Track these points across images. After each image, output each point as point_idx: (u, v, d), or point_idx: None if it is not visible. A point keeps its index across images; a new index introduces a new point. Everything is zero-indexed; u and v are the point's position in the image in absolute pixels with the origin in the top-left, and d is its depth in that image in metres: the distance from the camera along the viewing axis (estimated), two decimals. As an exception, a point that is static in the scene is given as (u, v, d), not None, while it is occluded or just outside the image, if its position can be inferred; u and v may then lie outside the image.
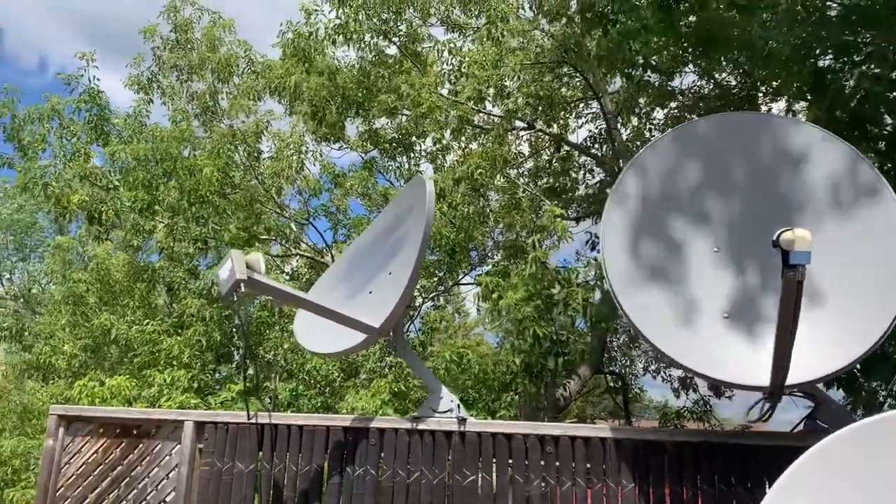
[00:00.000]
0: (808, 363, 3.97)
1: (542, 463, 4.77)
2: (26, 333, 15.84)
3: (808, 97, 11.82)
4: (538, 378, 9.77)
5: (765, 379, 4.08)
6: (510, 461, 4.83)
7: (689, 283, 4.51)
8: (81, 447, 5.81)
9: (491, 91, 10.43)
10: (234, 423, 5.43)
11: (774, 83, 12.99)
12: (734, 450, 4.44)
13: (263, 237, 13.47)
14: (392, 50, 14.10)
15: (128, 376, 10.89)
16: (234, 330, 11.67)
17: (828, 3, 9.91)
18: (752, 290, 4.46)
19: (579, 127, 13.78)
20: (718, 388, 15.06)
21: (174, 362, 11.12)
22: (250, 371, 9.52)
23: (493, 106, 11.39)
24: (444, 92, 11.84)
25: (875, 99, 10.16)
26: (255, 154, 13.20)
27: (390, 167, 14.89)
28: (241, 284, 4.52)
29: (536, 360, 10.37)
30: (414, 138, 13.17)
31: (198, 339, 10.88)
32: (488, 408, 10.48)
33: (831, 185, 4.63)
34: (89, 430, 5.84)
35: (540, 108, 11.02)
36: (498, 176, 13.69)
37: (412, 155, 15.23)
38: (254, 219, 12.62)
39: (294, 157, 12.97)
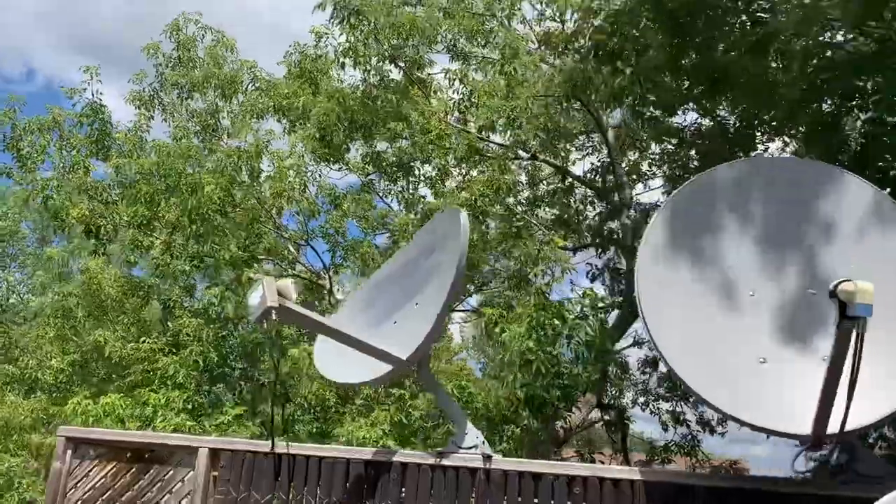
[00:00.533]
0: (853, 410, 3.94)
1: (569, 504, 4.69)
2: (12, 347, 15.53)
3: (810, 139, 12.01)
4: (540, 411, 9.71)
5: (804, 427, 4.06)
6: (535, 501, 4.75)
7: (726, 328, 4.49)
8: (89, 471, 5.66)
9: (501, 121, 10.44)
10: (251, 451, 5.31)
11: (774, 123, 13.18)
12: (768, 498, 4.39)
13: (262, 257, 13.35)
14: (396, 74, 14.16)
15: (121, 395, 10.67)
16: (231, 352, 11.51)
17: (835, 49, 10.05)
18: (788, 334, 4.44)
19: (581, 158, 13.86)
20: (710, 424, 15.13)
21: (168, 382, 10.93)
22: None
23: (501, 135, 11.41)
24: (452, 119, 11.87)
25: (878, 144, 10.33)
26: (256, 173, 13.12)
27: (391, 190, 14.86)
28: (273, 311, 4.44)
29: (538, 392, 10.34)
30: (417, 163, 13.15)
31: (195, 360, 10.71)
32: (488, 441, 10.36)
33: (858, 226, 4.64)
34: (99, 454, 5.69)
35: (545, 138, 11.05)
36: (497, 205, 13.74)
37: (411, 179, 15.24)
38: (254, 238, 12.50)
39: (297, 178, 12.90)
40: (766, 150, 15.53)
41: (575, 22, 12.35)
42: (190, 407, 10.55)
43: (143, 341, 11.70)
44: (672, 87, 11.66)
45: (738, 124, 14.04)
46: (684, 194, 4.85)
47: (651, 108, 13.01)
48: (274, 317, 4.47)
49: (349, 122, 11.99)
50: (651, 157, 14.20)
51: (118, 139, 13.80)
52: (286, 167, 13.64)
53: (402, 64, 13.94)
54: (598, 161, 13.38)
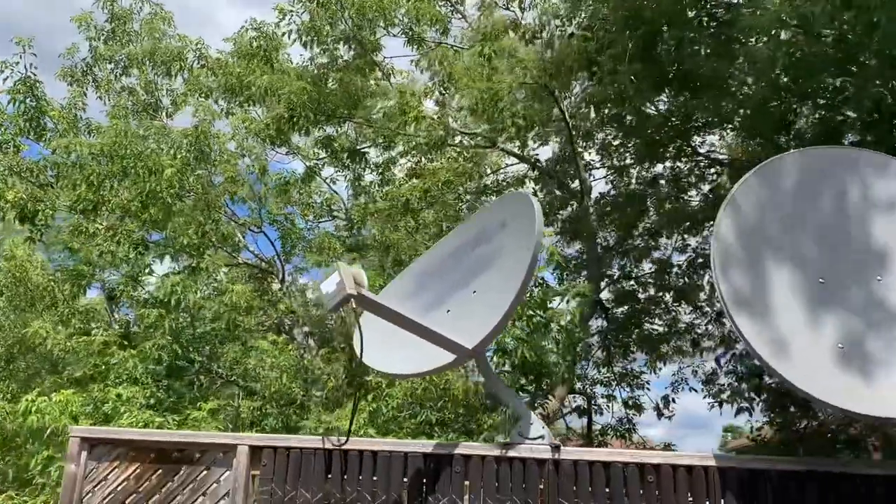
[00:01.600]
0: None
1: (642, 492, 4.65)
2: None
3: (775, 137, 12.51)
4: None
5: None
6: (607, 490, 4.69)
7: (799, 313, 4.54)
8: (107, 474, 5.22)
9: (481, 105, 10.28)
10: (297, 447, 5.01)
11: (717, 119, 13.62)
12: (840, 479, 4.47)
13: (214, 243, 12.74)
14: (350, 55, 13.77)
15: (74, 391, 9.95)
16: (190, 343, 10.91)
17: (804, 48, 10.37)
18: (861, 321, 4.54)
19: (539, 145, 13.88)
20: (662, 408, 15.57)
21: (124, 377, 10.27)
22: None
23: (480, 119, 11.25)
24: (430, 102, 11.65)
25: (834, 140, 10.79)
26: (208, 156, 12.48)
27: (341, 176, 14.50)
28: (352, 300, 4.19)
29: (518, 379, 10.33)
30: (373, 148, 12.86)
31: (157, 353, 10.09)
32: (465, 429, 10.27)
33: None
34: (118, 455, 5.25)
35: (522, 125, 10.98)
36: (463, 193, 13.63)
37: (362, 164, 14.89)
38: (212, 224, 11.90)
39: (255, 163, 12.38)
40: (702, 142, 16.12)
41: (537, 18, 12.29)
42: (152, 402, 9.97)
43: (95, 335, 10.94)
44: (646, 88, 11.87)
45: (681, 118, 14.45)
46: (750, 184, 4.86)
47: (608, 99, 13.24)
48: (353, 305, 4.22)
49: (318, 104, 11.53)
50: (611, 150, 14.41)
51: (53, 117, 12.84)
52: (236, 152, 13.11)
53: (355, 46, 13.59)
54: (559, 149, 13.45)
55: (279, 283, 14.13)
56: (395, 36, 14.28)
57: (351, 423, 5.07)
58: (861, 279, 4.64)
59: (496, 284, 4.91)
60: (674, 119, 14.14)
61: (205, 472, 5.10)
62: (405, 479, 4.86)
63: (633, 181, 14.38)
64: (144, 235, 12.24)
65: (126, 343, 11.03)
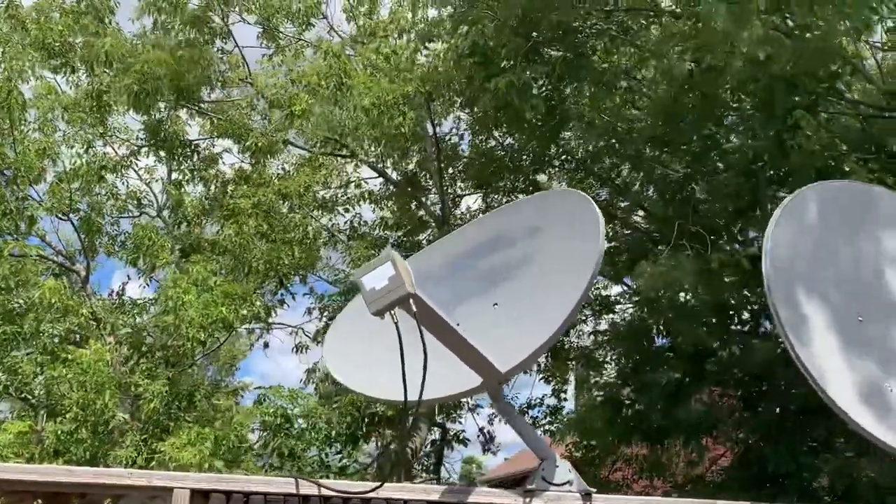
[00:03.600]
0: None
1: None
2: None
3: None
4: (391, 428, 8.83)
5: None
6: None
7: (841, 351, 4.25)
8: (-37, 528, 3.61)
9: (375, 110, 9.38)
10: (260, 492, 3.78)
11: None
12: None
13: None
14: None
15: None
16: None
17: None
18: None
19: (400, 164, 13.16)
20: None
21: None
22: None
23: (369, 124, 10.23)
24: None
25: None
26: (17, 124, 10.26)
27: (178, 168, 12.74)
28: (411, 301, 3.20)
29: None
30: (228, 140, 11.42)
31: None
32: (322, 462, 9.15)
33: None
34: (-19, 501, 3.66)
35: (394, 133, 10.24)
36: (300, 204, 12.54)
37: (194, 158, 13.21)
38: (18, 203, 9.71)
39: (75, 135, 10.38)
40: (535, 178, 16.43)
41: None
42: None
43: None
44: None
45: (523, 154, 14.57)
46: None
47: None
48: (414, 308, 3.22)
49: (171, 80, 9.89)
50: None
51: None
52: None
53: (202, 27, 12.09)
54: (418, 168, 12.84)
55: (82, 282, 11.95)
56: (249, 24, 12.98)
57: (393, 464, 3.92)
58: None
59: (525, 298, 4.11)
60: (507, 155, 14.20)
61: (119, 526, 3.70)
62: (405, 534, 3.84)
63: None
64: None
65: None
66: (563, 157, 13.74)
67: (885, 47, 10.77)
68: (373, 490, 3.65)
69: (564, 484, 4.08)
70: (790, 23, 8.99)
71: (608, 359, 13.47)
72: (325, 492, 3.75)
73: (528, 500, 3.98)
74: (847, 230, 4.60)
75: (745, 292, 9.63)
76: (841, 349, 4.26)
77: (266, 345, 14.89)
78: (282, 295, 11.64)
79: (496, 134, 12.97)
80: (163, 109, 11.84)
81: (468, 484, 15.33)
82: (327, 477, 8.70)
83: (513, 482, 18.79)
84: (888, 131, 9.32)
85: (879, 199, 5.01)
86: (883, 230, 4.70)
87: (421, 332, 3.25)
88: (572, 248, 4.04)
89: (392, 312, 3.23)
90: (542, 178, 16.07)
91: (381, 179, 13.17)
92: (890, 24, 10.31)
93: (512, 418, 4.34)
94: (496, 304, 4.23)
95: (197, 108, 11.69)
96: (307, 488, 3.80)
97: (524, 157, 13.71)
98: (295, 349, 13.97)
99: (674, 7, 10.19)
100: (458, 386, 4.01)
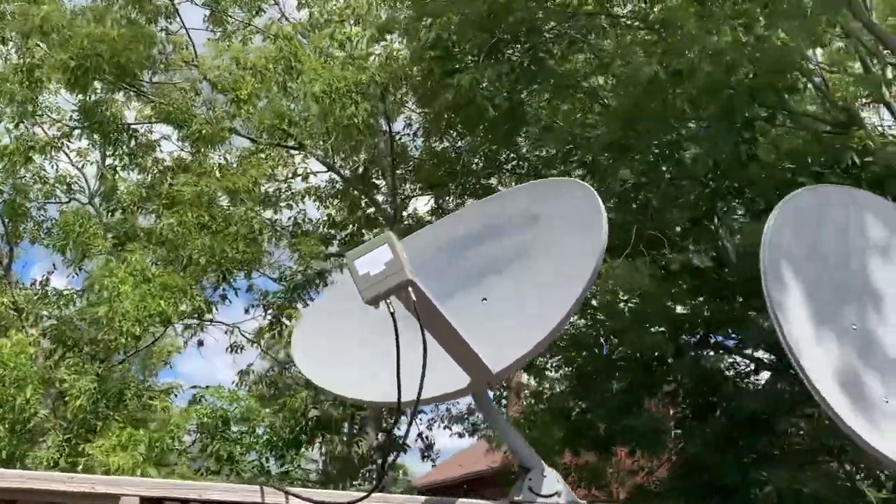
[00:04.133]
0: None
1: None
2: None
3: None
4: (337, 432, 8.42)
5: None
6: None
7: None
8: None
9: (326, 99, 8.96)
10: (219, 501, 3.36)
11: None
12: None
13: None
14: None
15: None
16: None
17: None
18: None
19: (352, 161, 12.73)
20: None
21: None
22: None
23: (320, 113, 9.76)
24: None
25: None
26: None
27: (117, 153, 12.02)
28: (410, 289, 2.86)
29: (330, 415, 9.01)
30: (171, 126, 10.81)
31: None
32: (262, 468, 8.66)
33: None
34: None
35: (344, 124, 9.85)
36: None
37: (129, 142, 12.49)
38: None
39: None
40: (488, 180, 16.27)
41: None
42: None
43: None
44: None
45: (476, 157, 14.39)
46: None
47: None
48: (413, 296, 2.88)
49: (111, 58, 9.26)
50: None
51: None
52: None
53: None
54: (372, 164, 12.44)
55: (4, 270, 11.13)
56: (197, 5, 12.37)
57: (383, 466, 3.53)
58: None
59: (516, 293, 3.81)
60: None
61: (55, 538, 3.23)
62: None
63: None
64: None
65: None
66: (515, 161, 13.62)
67: (828, 70, 10.91)
68: (359, 500, 3.27)
69: (553, 496, 3.78)
70: (750, 37, 9.03)
71: (550, 366, 13.33)
72: (294, 501, 3.36)
73: (514, 512, 3.68)
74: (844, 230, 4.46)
75: (700, 298, 9.61)
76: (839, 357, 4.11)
77: (200, 343, 14.23)
78: (224, 290, 11.08)
79: (449, 135, 12.71)
80: (100, 90, 11.16)
81: (404, 491, 14.97)
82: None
83: (443, 489, 18.55)
84: (842, 147, 9.43)
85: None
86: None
87: (421, 324, 2.91)
88: (564, 238, 3.78)
89: (388, 301, 2.88)
90: (493, 182, 15.96)
91: (329, 174, 12.74)
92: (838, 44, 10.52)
93: (497, 423, 4.03)
94: (485, 298, 3.92)
95: (136, 90, 11.04)
96: (273, 496, 3.40)
97: (476, 160, 13.52)
98: (230, 349, 13.43)
99: (637, 13, 10.13)
100: (443, 387, 3.67)
